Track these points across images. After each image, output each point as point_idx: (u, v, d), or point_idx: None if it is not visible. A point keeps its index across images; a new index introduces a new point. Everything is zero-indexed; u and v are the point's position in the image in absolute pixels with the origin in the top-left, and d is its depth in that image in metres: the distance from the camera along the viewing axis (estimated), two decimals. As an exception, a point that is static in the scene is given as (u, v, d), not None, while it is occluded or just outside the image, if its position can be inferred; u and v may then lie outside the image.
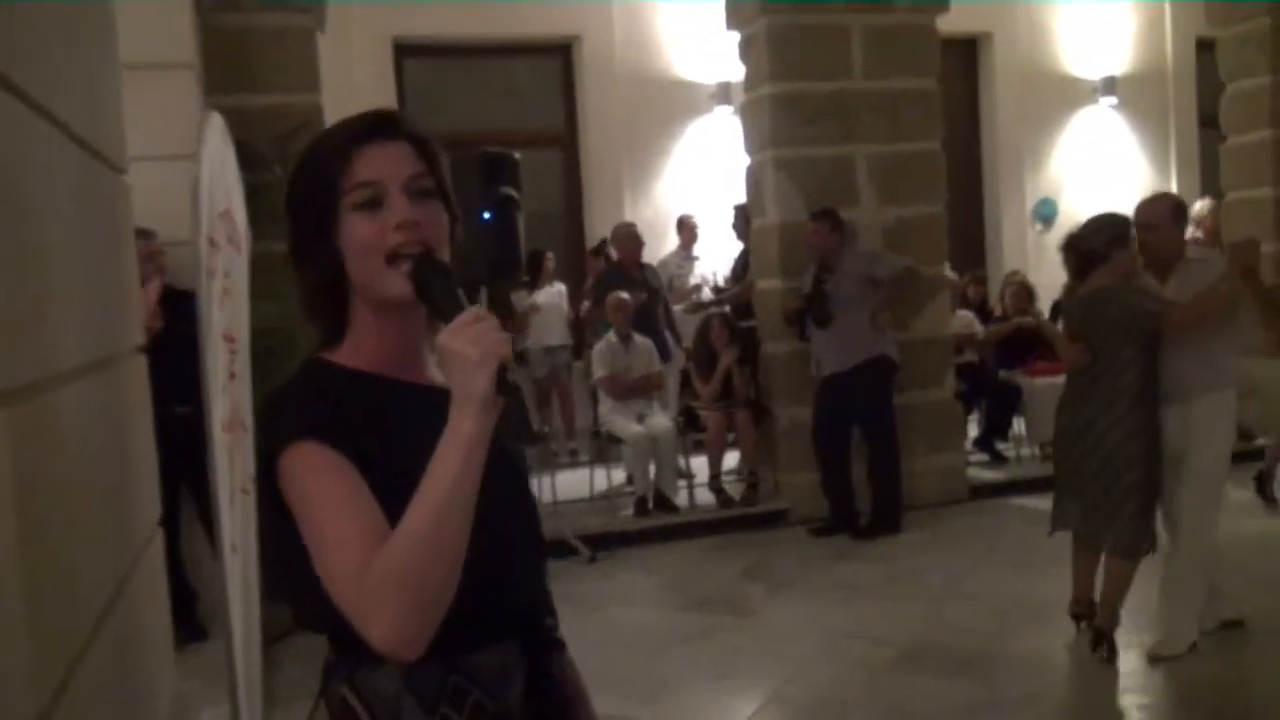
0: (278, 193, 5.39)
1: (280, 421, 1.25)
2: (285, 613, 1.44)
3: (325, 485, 1.20)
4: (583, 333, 8.42)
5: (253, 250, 3.74)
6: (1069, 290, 4.46)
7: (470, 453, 1.14)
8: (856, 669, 4.21)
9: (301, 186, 1.31)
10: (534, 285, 8.16)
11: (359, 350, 1.33)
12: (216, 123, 3.19)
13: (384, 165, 1.27)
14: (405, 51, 8.63)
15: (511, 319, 8.16)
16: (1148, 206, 4.16)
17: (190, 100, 4.80)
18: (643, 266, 7.71)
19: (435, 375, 1.34)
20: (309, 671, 1.45)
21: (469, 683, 1.28)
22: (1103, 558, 4.13)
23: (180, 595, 3.92)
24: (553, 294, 8.34)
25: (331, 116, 6.07)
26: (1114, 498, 3.98)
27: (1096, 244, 4.04)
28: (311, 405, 1.26)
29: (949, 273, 7.19)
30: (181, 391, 3.79)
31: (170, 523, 3.50)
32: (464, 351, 1.15)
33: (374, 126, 1.30)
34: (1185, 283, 3.99)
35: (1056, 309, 6.10)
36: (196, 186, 2.77)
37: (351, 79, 7.64)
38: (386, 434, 1.25)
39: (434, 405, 1.21)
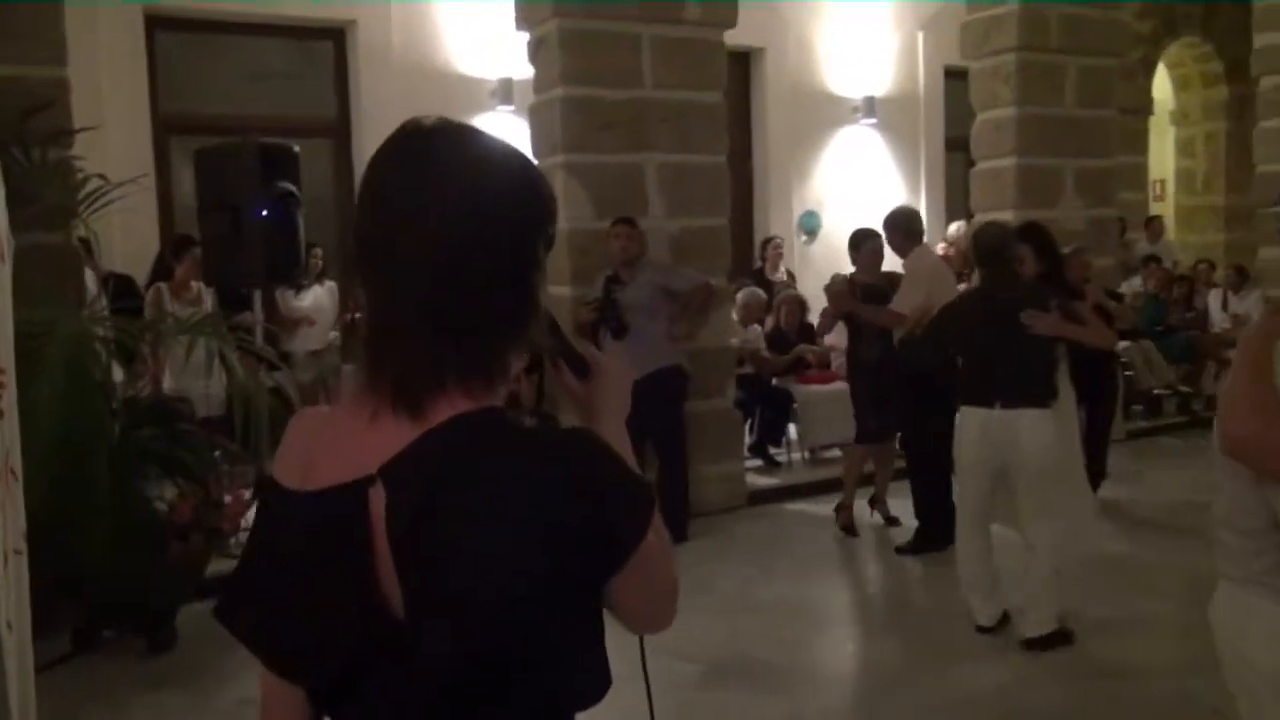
0: (21, 180, 4.67)
1: (632, 489, 1.16)
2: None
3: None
4: (355, 335, 8.00)
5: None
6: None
7: None
8: (665, 688, 4.15)
9: (547, 211, 1.21)
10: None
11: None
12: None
13: None
14: (159, 24, 7.89)
15: (277, 319, 7.64)
16: None
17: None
18: None
19: None
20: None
21: None
22: None
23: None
24: (321, 293, 7.87)
25: (76, 91, 5.42)
26: None
27: None
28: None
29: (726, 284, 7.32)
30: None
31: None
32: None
33: None
34: None
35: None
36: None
37: (97, 51, 6.91)
38: None
39: None
